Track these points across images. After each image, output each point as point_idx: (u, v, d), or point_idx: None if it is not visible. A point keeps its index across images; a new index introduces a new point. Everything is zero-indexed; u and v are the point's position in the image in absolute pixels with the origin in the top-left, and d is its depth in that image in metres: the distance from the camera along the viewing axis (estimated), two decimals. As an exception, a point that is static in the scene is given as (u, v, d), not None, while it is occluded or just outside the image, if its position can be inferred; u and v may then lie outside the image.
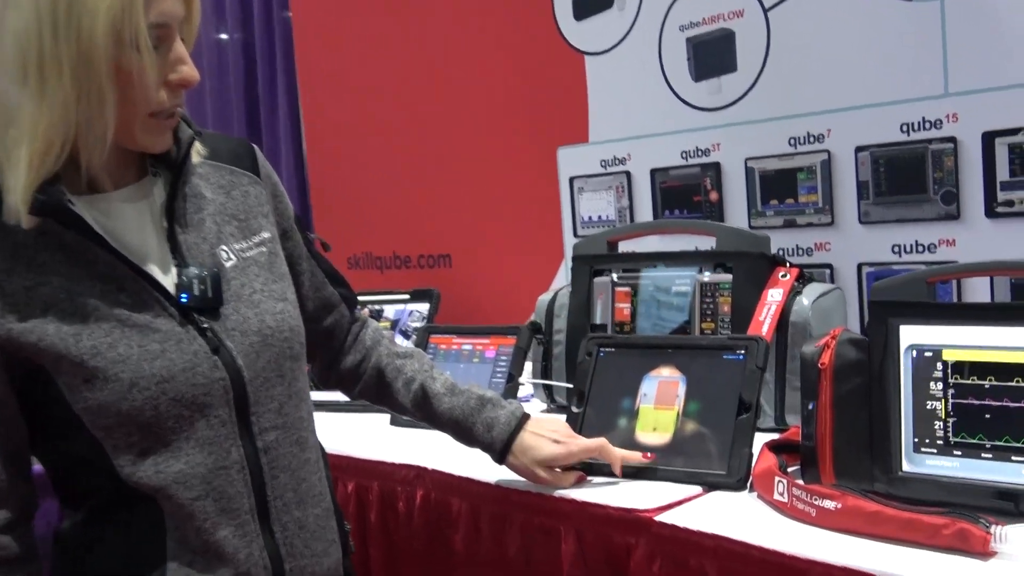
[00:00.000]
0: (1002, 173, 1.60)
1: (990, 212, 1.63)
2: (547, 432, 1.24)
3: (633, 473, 1.28)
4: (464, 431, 1.24)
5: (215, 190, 1.07)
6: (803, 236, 1.86)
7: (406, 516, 1.50)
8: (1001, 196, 1.61)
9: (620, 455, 1.25)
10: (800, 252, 1.88)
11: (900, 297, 1.14)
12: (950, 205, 1.67)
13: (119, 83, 0.90)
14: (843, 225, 1.81)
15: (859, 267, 1.80)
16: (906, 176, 1.71)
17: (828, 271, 1.83)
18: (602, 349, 1.42)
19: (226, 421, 0.97)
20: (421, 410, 1.25)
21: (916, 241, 1.72)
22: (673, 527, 1.13)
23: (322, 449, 1.14)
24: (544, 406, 1.78)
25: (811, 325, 1.45)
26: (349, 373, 1.27)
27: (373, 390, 1.27)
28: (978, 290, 1.62)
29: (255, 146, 1.14)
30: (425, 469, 1.47)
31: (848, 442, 1.14)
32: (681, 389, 1.32)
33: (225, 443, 0.97)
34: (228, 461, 0.98)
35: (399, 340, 2.03)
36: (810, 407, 1.17)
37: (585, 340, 1.43)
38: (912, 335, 1.12)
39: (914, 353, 1.12)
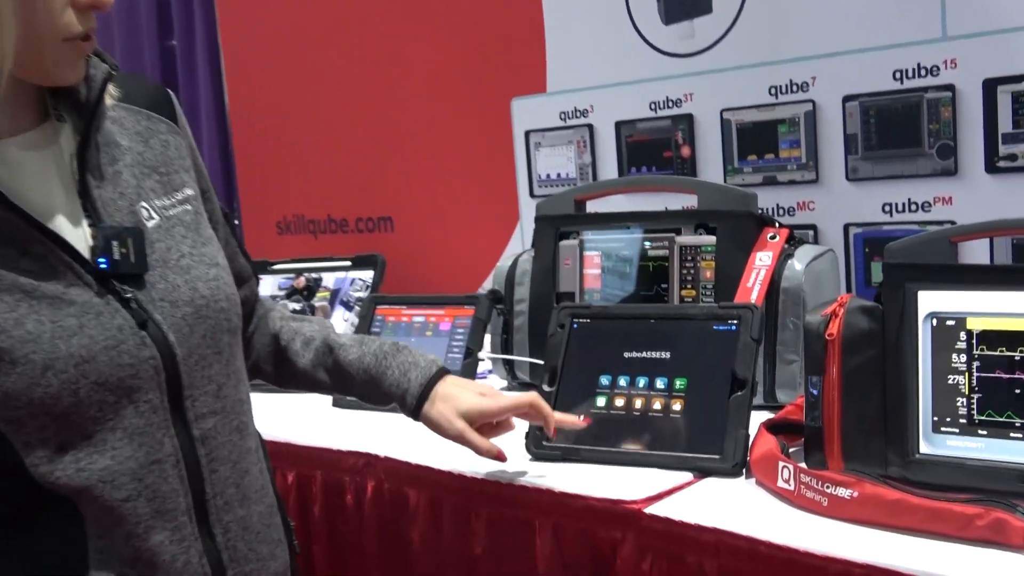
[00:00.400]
0: (1004, 124, 1.57)
1: (991, 167, 1.60)
2: (471, 386, 1.19)
3: (616, 459, 1.24)
4: (375, 381, 1.16)
5: (132, 137, 0.97)
6: (784, 194, 1.83)
7: (355, 510, 1.43)
8: (1003, 150, 1.58)
9: (554, 415, 1.19)
10: (781, 212, 1.85)
11: (918, 259, 1.09)
12: (947, 160, 1.64)
13: (18, 6, 0.80)
14: (829, 182, 1.78)
15: (845, 228, 1.77)
16: (899, 128, 1.67)
17: (811, 232, 1.80)
18: (576, 320, 1.36)
19: (157, 407, 0.89)
20: (326, 369, 1.17)
21: (909, 199, 1.69)
22: (667, 520, 1.08)
23: (260, 436, 1.06)
24: (504, 383, 1.73)
25: (804, 291, 1.41)
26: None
27: (268, 361, 1.19)
28: (976, 252, 1.58)
29: (171, 92, 1.05)
30: (376, 456, 1.41)
31: (858, 422, 1.10)
32: (667, 364, 1.29)
33: (157, 433, 0.89)
34: (161, 454, 0.89)
35: (341, 312, 1.97)
36: (815, 383, 1.13)
37: (557, 310, 1.38)
38: (932, 301, 1.08)
39: (934, 322, 1.08)
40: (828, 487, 1.03)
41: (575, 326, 1.36)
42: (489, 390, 1.20)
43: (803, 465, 1.10)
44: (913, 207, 1.69)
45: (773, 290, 1.42)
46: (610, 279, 1.58)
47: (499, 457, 1.17)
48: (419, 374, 1.16)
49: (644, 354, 1.30)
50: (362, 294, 1.94)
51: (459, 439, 1.15)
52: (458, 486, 1.29)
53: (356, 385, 1.18)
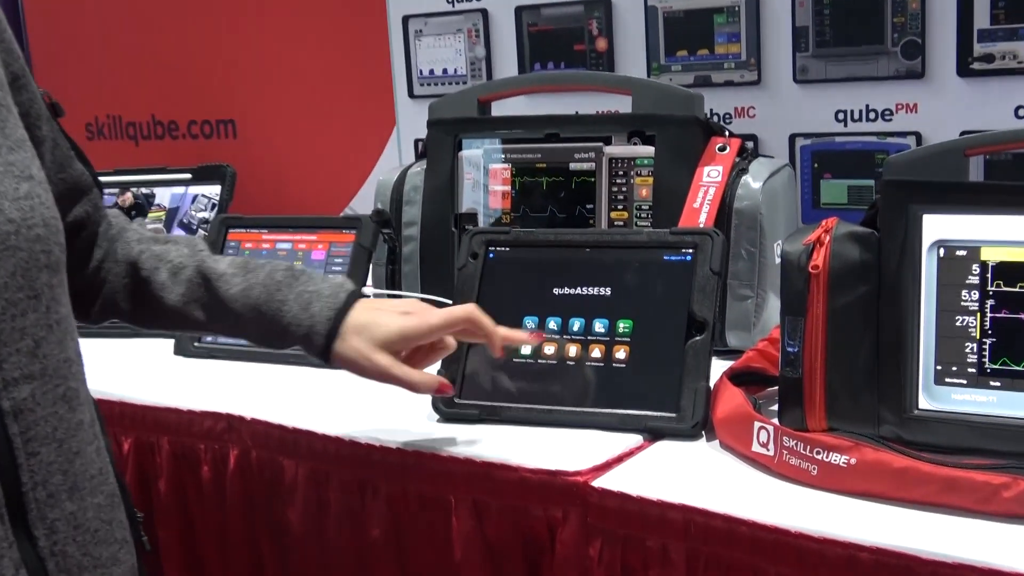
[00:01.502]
0: (981, 19, 1.58)
1: (963, 69, 1.61)
2: (390, 306, 1.11)
3: (547, 419, 1.18)
4: (268, 319, 1.07)
5: None
6: (720, 98, 1.81)
7: (213, 486, 1.35)
8: (978, 49, 1.58)
9: (500, 331, 1.11)
10: (715, 118, 1.83)
11: (923, 175, 1.04)
12: (913, 60, 1.64)
13: None
14: (773, 84, 1.77)
15: (791, 139, 1.77)
16: (857, 21, 1.68)
17: (751, 144, 1.78)
18: (493, 249, 1.30)
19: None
20: (203, 305, 1.08)
21: (867, 106, 1.70)
22: (621, 496, 1.02)
23: (95, 406, 0.95)
24: None
25: (762, 215, 1.38)
26: (86, 283, 1.08)
27: (126, 297, 1.08)
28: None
29: None
30: (240, 418, 1.32)
31: (846, 372, 1.06)
32: (607, 302, 1.23)
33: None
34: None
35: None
36: (794, 327, 1.08)
37: (468, 236, 1.30)
38: (939, 227, 1.04)
39: (941, 251, 1.04)
40: (819, 453, 0.99)
41: (491, 256, 1.29)
42: (414, 306, 1.11)
43: (784, 425, 1.05)
44: (871, 115, 1.69)
45: (723, 212, 1.39)
46: (522, 199, 1.54)
47: (441, 389, 1.09)
48: (324, 305, 1.06)
49: (579, 291, 1.24)
50: (207, 214, 1.82)
51: (384, 377, 1.06)
52: (348, 454, 1.21)
53: (243, 324, 1.08)
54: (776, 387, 1.11)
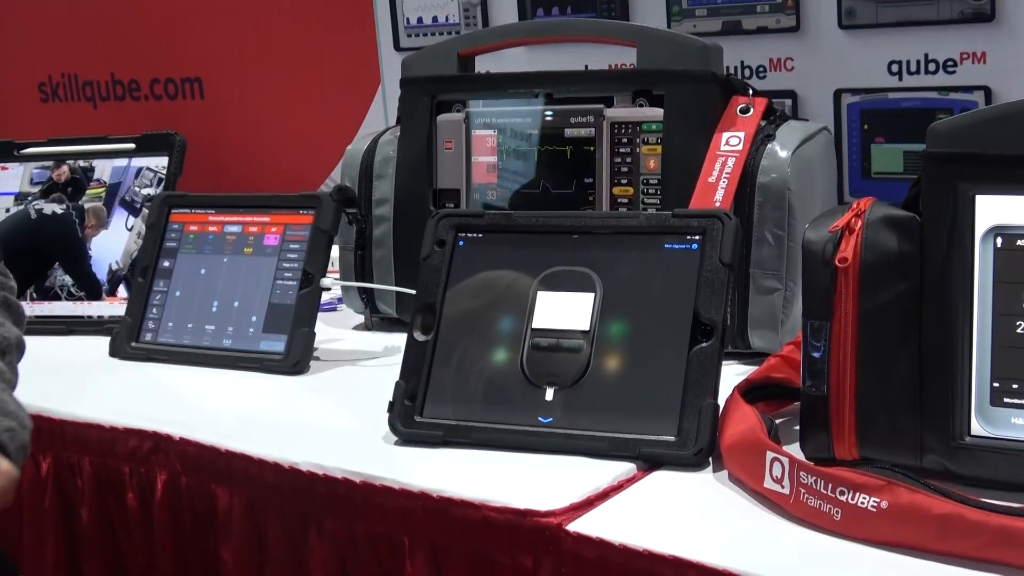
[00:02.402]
0: None
1: None
2: None
3: (523, 443, 1.14)
4: None
5: None
6: (752, 48, 1.79)
7: (141, 516, 1.32)
8: None
9: None
10: (747, 73, 1.80)
11: (978, 145, 0.97)
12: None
13: None
14: (814, 31, 1.75)
15: (836, 96, 1.75)
16: None
17: (789, 102, 1.78)
18: (463, 235, 1.25)
19: None
20: None
21: (926, 55, 1.66)
22: (601, 544, 0.96)
23: None
24: (359, 320, 1.68)
25: (791, 190, 1.34)
26: None
27: None
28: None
29: None
30: (168, 438, 1.28)
31: (882, 389, 1.01)
32: (596, 300, 1.18)
33: None
34: None
35: (122, 218, 1.80)
36: (819, 333, 1.03)
37: (434, 220, 1.26)
38: (997, 210, 0.97)
39: (998, 240, 0.97)
40: (843, 492, 0.92)
41: (461, 244, 1.25)
42: None
43: (803, 457, 0.99)
44: (931, 66, 1.66)
45: (745, 188, 1.35)
46: (511, 172, 1.51)
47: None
48: None
49: (564, 286, 1.19)
50: (153, 190, 1.76)
51: None
52: (288, 484, 1.16)
53: None
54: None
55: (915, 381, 0.99)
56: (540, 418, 1.14)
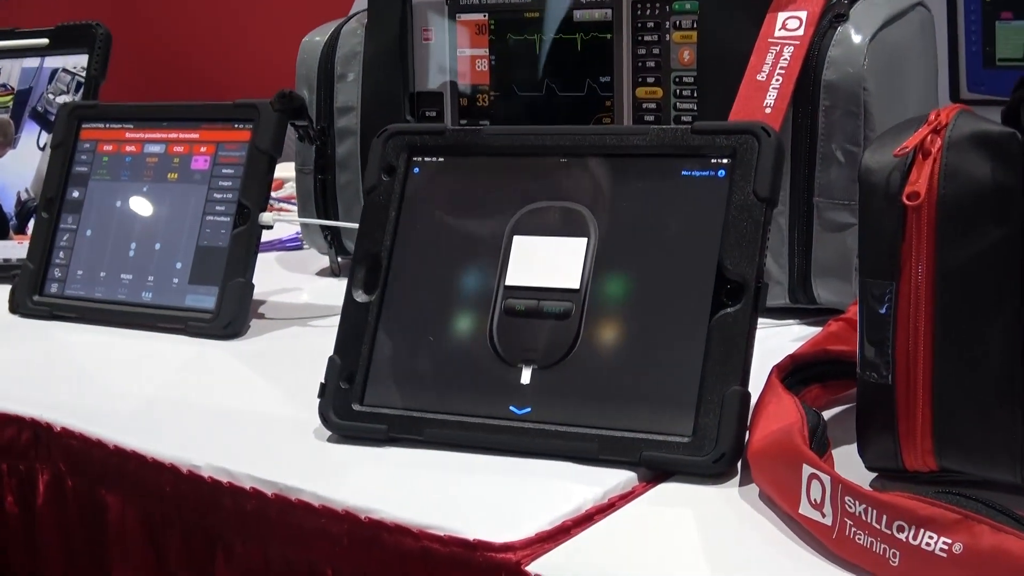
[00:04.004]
0: None
1: None
2: None
3: (488, 442, 1.10)
4: None
5: None
6: None
7: (22, 523, 1.30)
8: None
9: None
10: None
11: None
12: None
13: None
14: None
15: None
16: None
17: None
18: (418, 160, 1.21)
19: None
20: None
21: None
22: None
23: None
24: (325, 262, 1.68)
25: (868, 91, 1.29)
26: None
27: None
28: None
29: None
30: (49, 428, 1.26)
31: (969, 375, 0.92)
32: (590, 248, 1.12)
33: None
34: None
35: (35, 134, 1.82)
36: (881, 296, 0.95)
37: (380, 139, 1.23)
38: None
39: None
40: (904, 529, 0.82)
41: (416, 171, 1.20)
42: None
43: (849, 478, 0.89)
44: None
45: (808, 88, 1.32)
46: (507, 67, 1.51)
47: None
48: None
49: (548, 228, 1.15)
50: (71, 97, 1.77)
51: None
52: (192, 494, 1.12)
53: None
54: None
55: (1015, 363, 0.91)
56: (513, 408, 1.09)
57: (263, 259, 1.50)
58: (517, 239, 1.13)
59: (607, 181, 1.13)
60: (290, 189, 2.00)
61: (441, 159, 1.19)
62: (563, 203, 1.13)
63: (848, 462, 0.95)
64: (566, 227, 1.12)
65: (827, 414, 1.07)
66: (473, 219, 1.17)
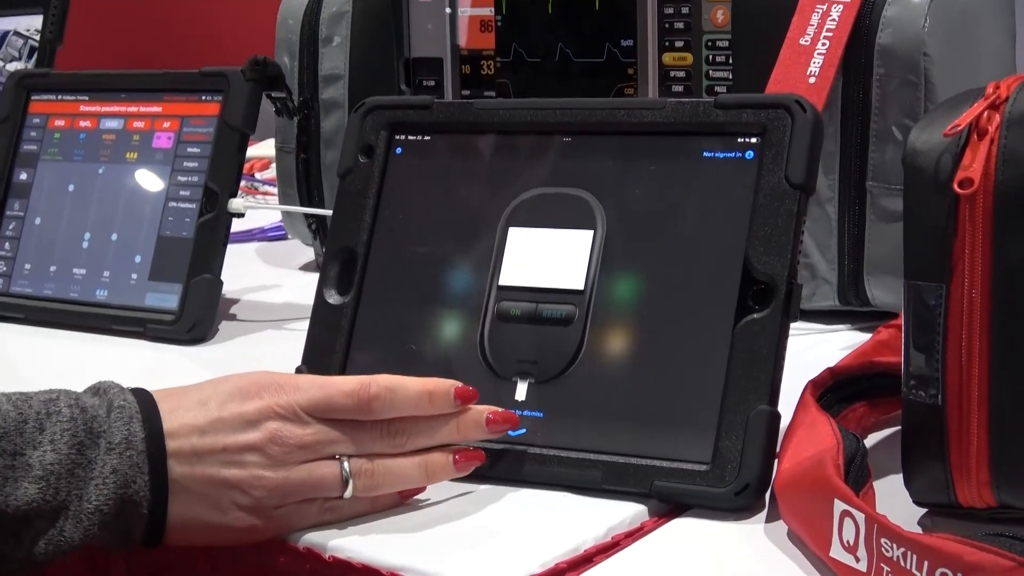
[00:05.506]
0: None
1: None
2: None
3: (482, 468, 1.07)
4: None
5: None
6: None
7: None
8: None
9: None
10: None
11: None
12: None
13: None
14: None
15: None
16: None
17: None
18: (401, 138, 1.22)
19: None
20: None
21: None
22: None
23: None
24: (311, 254, 1.71)
25: (929, 56, 1.29)
26: None
27: None
28: None
29: None
30: None
31: None
32: (596, 242, 1.12)
33: None
34: None
35: None
36: (929, 299, 0.95)
37: (357, 114, 1.24)
38: None
39: None
40: None
41: (399, 151, 1.21)
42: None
43: (888, 517, 0.87)
44: None
45: (859, 55, 1.32)
46: (516, 29, 1.52)
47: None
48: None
49: (548, 222, 1.15)
50: (23, 64, 1.82)
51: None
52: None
53: None
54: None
55: (1088, 381, 0.90)
56: (508, 424, 1.06)
57: (241, 251, 1.50)
58: (513, 231, 1.13)
59: (616, 164, 1.13)
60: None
61: (427, 137, 1.19)
62: (566, 189, 1.13)
63: (894, 496, 0.94)
64: (569, 218, 1.12)
65: (874, 437, 1.08)
66: (462, 208, 1.18)
